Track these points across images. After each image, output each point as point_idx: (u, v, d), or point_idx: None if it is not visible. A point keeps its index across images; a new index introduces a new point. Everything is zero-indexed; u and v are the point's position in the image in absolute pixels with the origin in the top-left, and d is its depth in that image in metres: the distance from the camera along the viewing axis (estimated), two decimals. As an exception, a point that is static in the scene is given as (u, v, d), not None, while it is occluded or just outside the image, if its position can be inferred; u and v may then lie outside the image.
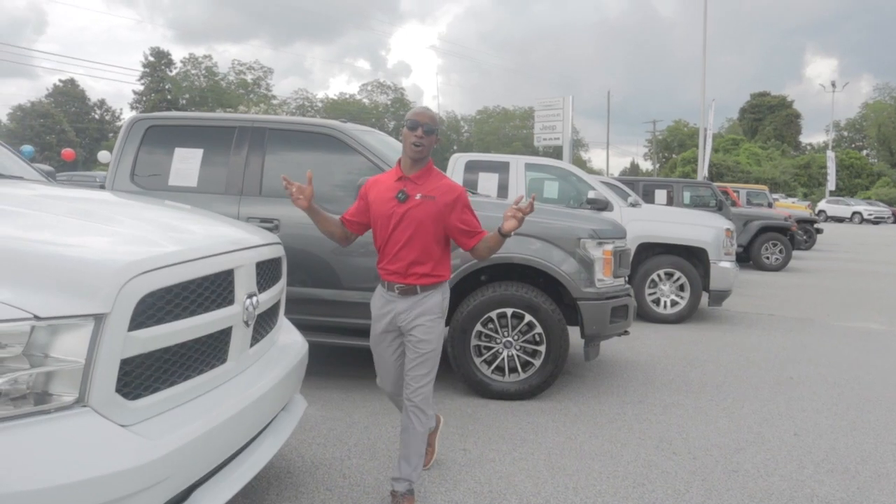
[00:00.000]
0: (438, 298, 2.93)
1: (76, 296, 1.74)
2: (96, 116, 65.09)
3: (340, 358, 5.35)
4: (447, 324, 4.64)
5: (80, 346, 1.72)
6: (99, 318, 1.75)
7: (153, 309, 1.91)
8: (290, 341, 3.02)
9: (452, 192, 2.92)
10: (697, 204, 12.16)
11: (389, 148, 4.92)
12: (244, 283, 2.39)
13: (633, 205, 8.09)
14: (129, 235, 2.22)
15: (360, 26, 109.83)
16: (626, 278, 4.94)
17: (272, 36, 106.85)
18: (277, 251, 2.87)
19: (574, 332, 4.68)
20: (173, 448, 1.86)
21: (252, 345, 2.53)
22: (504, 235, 2.84)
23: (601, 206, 7.41)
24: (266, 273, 2.69)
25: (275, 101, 68.70)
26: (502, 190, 7.86)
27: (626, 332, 4.95)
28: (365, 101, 73.28)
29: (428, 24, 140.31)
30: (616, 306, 4.57)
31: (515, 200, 2.77)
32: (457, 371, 4.51)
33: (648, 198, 11.53)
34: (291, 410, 2.86)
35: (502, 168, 8.08)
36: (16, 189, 2.69)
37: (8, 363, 1.62)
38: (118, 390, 1.81)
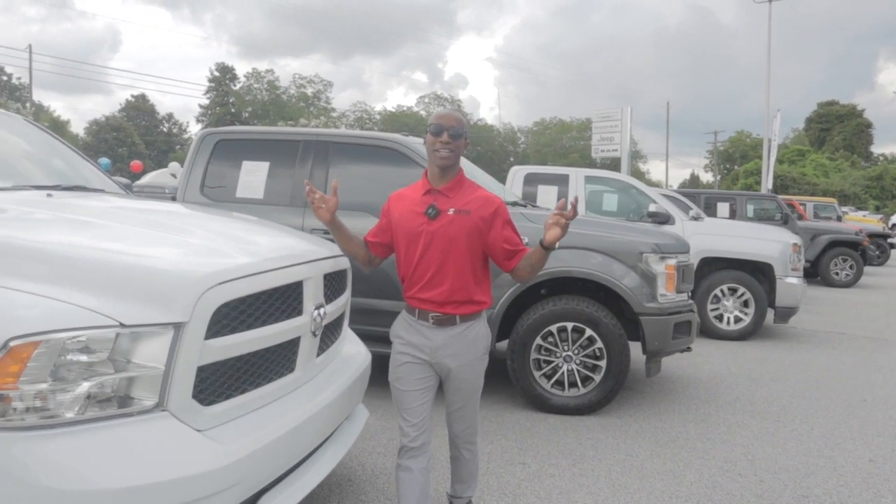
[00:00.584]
0: (482, 331, 2.60)
1: (157, 305, 1.82)
2: (164, 129, 67.63)
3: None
4: (505, 337, 4.64)
5: (161, 353, 1.80)
6: (178, 327, 1.82)
7: (228, 319, 1.98)
8: (353, 352, 3.07)
9: (490, 204, 2.54)
10: (762, 217, 11.82)
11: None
12: (312, 294, 2.45)
13: (695, 218, 7.92)
14: (202, 247, 2.31)
15: (417, 39, 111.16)
16: (689, 293, 4.84)
17: (332, 50, 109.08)
18: (343, 263, 2.93)
19: (635, 348, 4.61)
20: (245, 454, 1.91)
21: (318, 355, 2.59)
22: (547, 248, 2.43)
23: (663, 219, 7.29)
24: (332, 284, 2.75)
25: (334, 114, 70.04)
26: (561, 203, 7.81)
27: (688, 349, 4.86)
28: (422, 113, 73.82)
29: (485, 36, 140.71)
30: (679, 322, 4.49)
31: (558, 206, 2.42)
32: (516, 384, 4.49)
33: (710, 211, 11.26)
34: (354, 420, 2.91)
35: (562, 181, 8.06)
36: (98, 201, 2.83)
37: (95, 367, 1.71)
38: (194, 396, 1.88)
